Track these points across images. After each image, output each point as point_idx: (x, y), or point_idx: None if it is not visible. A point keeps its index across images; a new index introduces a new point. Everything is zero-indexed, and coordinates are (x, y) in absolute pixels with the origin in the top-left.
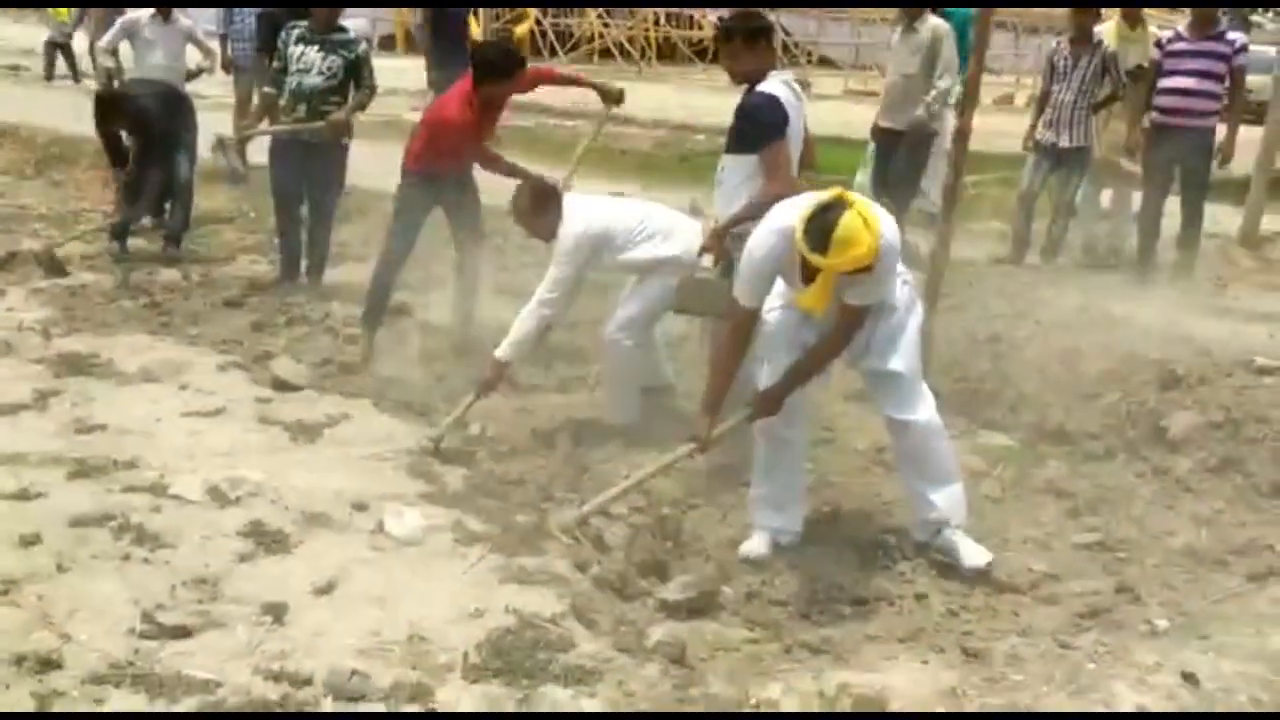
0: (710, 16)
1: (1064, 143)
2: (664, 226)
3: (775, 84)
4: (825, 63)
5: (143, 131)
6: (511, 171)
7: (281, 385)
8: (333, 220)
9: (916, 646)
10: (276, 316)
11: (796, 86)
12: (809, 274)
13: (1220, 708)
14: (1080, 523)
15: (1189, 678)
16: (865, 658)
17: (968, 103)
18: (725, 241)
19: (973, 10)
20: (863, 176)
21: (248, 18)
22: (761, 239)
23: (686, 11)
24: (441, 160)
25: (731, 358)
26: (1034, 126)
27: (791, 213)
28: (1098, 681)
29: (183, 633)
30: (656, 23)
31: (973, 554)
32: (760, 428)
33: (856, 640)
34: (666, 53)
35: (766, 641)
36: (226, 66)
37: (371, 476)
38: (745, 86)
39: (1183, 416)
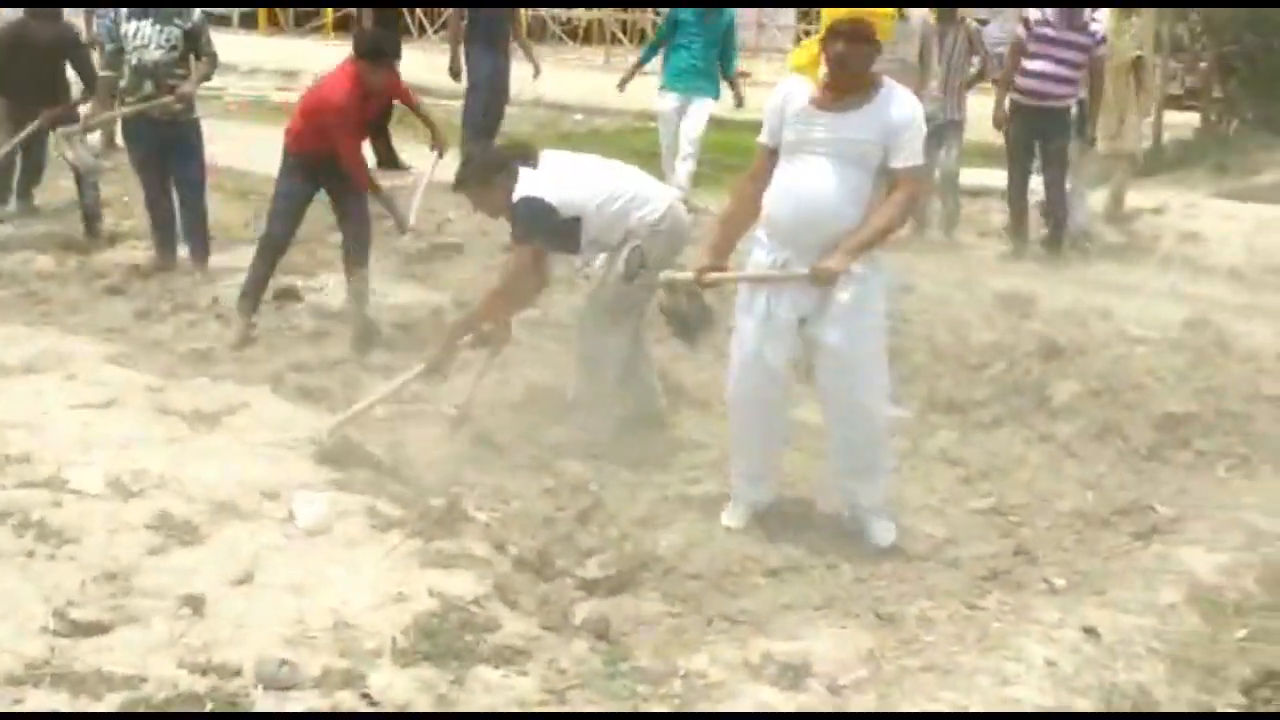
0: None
1: (939, 118)
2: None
3: (534, 181)
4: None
5: None
6: (373, 187)
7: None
8: (203, 196)
9: (831, 613)
10: (160, 303)
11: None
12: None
13: (1121, 659)
14: (973, 489)
15: (1090, 631)
16: (784, 625)
17: None
18: None
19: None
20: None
21: None
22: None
23: None
24: (322, 142)
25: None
26: None
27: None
28: (1006, 639)
29: (99, 629)
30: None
31: (879, 532)
32: (736, 395)
33: (773, 609)
34: (535, 32)
35: (687, 614)
36: (92, 43)
37: (276, 464)
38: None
39: (1065, 385)
